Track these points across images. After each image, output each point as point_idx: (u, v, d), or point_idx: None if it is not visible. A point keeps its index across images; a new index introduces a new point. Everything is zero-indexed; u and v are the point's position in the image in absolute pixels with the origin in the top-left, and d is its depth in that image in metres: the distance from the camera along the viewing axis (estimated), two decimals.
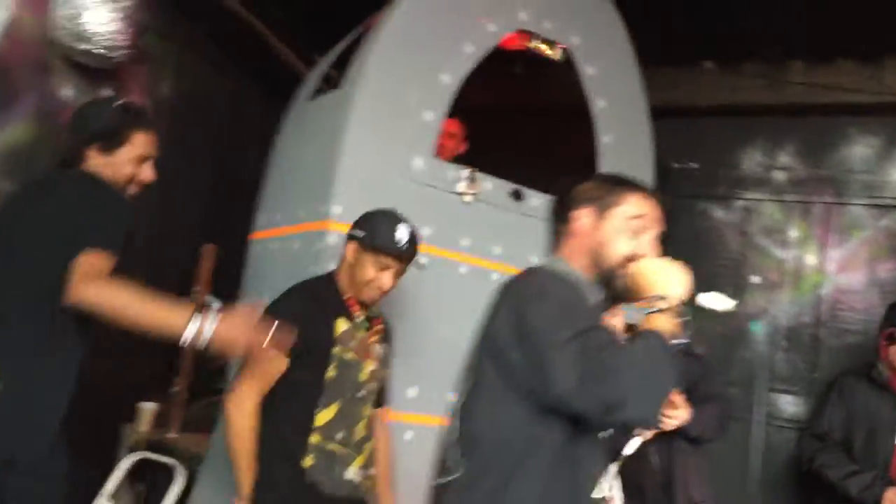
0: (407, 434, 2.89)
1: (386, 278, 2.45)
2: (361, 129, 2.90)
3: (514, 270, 3.07)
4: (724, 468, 3.77)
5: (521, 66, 3.54)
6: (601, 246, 1.77)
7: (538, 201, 3.25)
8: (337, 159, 2.86)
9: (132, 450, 3.62)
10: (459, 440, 1.74)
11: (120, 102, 2.37)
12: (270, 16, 4.10)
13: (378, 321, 2.57)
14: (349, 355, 2.43)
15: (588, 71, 3.41)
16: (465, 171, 3.08)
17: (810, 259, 3.96)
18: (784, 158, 3.99)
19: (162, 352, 3.85)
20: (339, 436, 2.40)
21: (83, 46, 3.23)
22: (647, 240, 1.78)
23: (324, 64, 3.46)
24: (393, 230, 2.44)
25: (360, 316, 2.48)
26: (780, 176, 3.98)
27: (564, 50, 3.36)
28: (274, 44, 4.10)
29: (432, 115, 3.02)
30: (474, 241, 3.10)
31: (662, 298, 1.65)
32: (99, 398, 3.56)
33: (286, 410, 2.37)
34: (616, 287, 1.77)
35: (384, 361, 2.57)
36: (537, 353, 1.59)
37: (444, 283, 3.02)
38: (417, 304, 2.88)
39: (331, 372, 2.39)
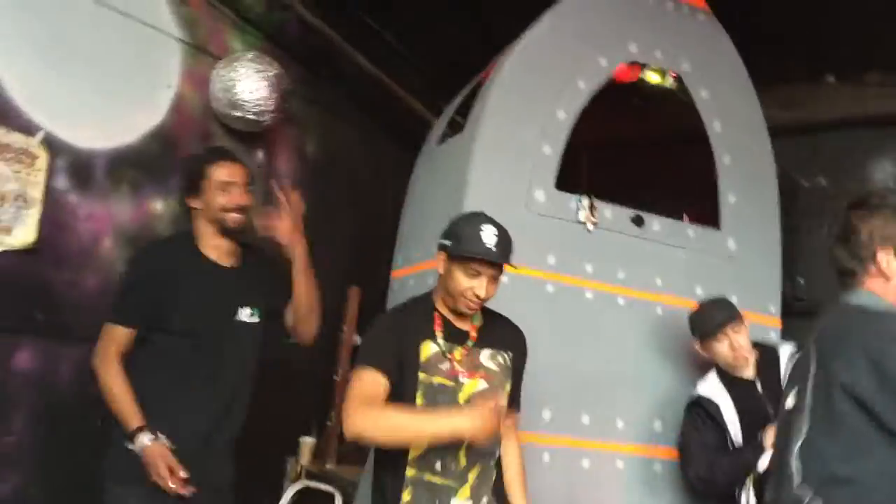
0: (545, 456, 3.00)
1: (479, 286, 2.24)
2: (484, 167, 3.09)
3: (638, 294, 3.21)
4: None
5: (638, 97, 3.65)
6: None
7: (659, 226, 3.34)
8: (463, 196, 3.05)
9: (295, 480, 3.93)
10: (810, 480, 1.74)
11: (196, 153, 2.81)
12: (400, 72, 4.43)
13: (474, 328, 2.35)
14: (437, 380, 2.25)
15: (702, 95, 3.47)
16: (586, 200, 3.22)
17: None
18: None
19: (317, 390, 4.18)
20: (437, 466, 2.22)
21: (237, 114, 3.64)
22: None
23: (448, 111, 3.70)
24: (478, 234, 2.22)
25: (441, 336, 2.29)
26: None
27: (676, 77, 3.45)
28: (404, 97, 4.42)
29: (550, 150, 3.18)
30: (598, 267, 3.20)
31: None
32: (266, 433, 3.90)
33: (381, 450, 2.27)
34: None
35: (504, 371, 2.36)
36: None
37: (570, 309, 3.14)
38: (545, 330, 2.99)
39: (419, 400, 2.23)
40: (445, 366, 2.26)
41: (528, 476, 2.49)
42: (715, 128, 3.47)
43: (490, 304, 2.37)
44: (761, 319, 3.38)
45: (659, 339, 3.28)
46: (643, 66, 3.41)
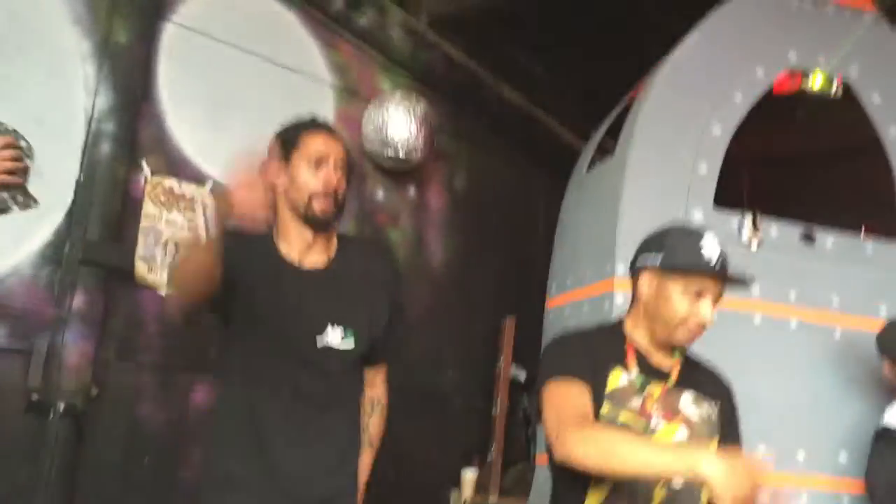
0: None
1: (704, 309, 1.81)
2: (637, 189, 3.02)
3: (812, 315, 3.00)
4: None
5: (800, 107, 3.45)
6: None
7: (833, 242, 3.12)
8: (617, 220, 2.99)
9: None
10: None
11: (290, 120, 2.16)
12: (546, 101, 4.41)
13: (676, 364, 1.92)
14: (624, 416, 1.85)
15: (873, 100, 3.24)
16: (749, 218, 3.06)
17: None
18: None
19: (476, 422, 4.17)
20: None
21: (388, 152, 3.74)
22: None
23: (597, 135, 3.64)
24: (698, 244, 1.82)
25: (635, 368, 1.90)
26: None
27: (843, 84, 3.24)
28: (551, 126, 4.40)
29: (707, 168, 3.05)
30: (766, 289, 3.01)
31: None
32: (427, 466, 3.95)
33: (560, 489, 1.94)
34: None
35: (708, 424, 1.90)
36: None
37: (737, 335, 2.97)
38: (711, 359, 2.84)
39: None
40: (636, 402, 1.87)
41: None
42: (891, 134, 3.22)
43: None
44: None
45: (838, 363, 3.05)
46: (805, 75, 3.21)
